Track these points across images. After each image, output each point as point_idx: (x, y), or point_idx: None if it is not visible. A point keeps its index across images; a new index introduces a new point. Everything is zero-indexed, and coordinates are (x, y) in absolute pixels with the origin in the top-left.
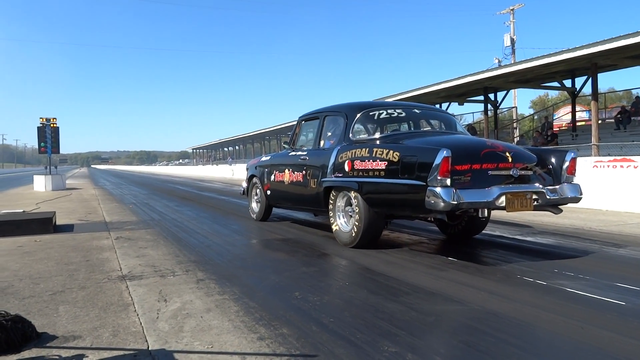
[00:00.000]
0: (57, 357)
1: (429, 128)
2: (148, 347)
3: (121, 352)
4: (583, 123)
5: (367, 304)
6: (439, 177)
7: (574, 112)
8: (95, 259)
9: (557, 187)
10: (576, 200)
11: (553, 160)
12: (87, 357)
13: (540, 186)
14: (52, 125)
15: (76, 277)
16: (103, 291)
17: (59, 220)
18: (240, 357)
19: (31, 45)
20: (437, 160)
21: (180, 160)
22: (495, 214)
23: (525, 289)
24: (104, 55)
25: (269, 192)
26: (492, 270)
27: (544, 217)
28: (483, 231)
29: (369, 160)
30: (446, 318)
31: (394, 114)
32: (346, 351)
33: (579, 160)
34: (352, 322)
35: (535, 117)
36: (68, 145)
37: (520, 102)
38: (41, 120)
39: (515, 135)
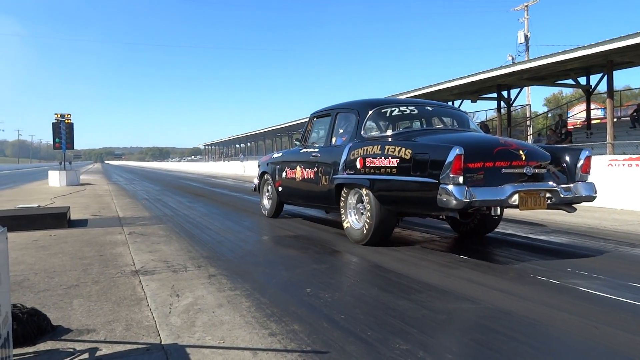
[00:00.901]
0: (71, 350)
1: (442, 125)
2: (160, 342)
3: (134, 346)
4: (598, 121)
5: (378, 302)
6: (451, 175)
7: (588, 110)
8: (108, 253)
9: (571, 185)
10: (590, 199)
11: (567, 158)
12: (100, 350)
13: (554, 184)
14: (66, 121)
15: (90, 272)
16: (116, 285)
17: (73, 215)
18: (251, 352)
19: (45, 41)
20: (450, 158)
21: (193, 157)
22: (508, 212)
23: (538, 288)
24: (117, 52)
25: (280, 189)
26: (505, 269)
27: (558, 216)
28: (495, 229)
29: (380, 158)
30: (458, 316)
31: (406, 111)
32: (357, 348)
33: (594, 158)
34: (363, 319)
35: (549, 115)
36: (82, 141)
37: (534, 99)
38: (56, 116)
39: (528, 133)
